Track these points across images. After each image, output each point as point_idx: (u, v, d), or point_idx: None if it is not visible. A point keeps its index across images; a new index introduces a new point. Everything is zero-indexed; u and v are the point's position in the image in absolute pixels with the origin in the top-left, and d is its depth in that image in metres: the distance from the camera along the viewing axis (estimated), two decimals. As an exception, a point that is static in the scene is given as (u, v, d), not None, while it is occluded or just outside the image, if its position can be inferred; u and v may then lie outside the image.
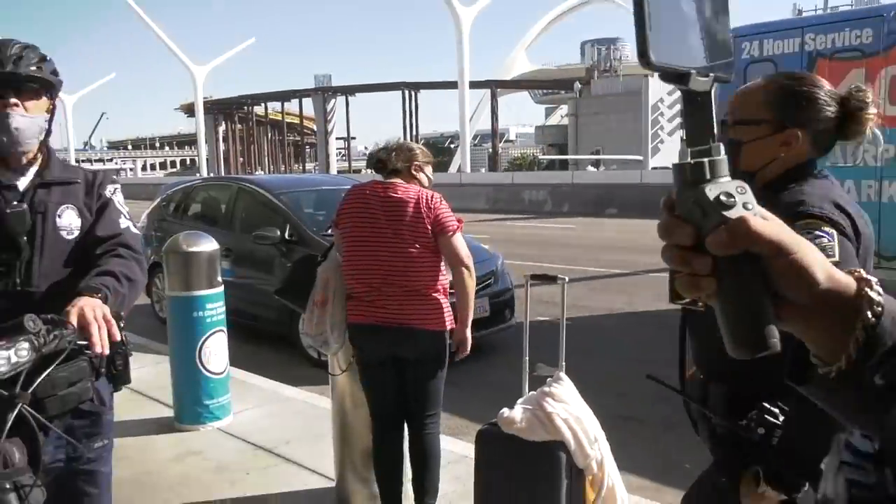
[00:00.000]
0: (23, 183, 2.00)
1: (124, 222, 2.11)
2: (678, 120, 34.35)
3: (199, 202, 8.96)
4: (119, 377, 2.06)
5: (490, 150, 55.27)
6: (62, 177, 2.07)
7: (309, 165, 72.44)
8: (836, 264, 1.36)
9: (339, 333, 3.19)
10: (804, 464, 1.41)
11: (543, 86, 68.29)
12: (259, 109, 74.38)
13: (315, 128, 69.91)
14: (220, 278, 4.70)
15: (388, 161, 3.18)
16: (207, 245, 4.64)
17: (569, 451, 2.67)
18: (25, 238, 1.93)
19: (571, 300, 7.70)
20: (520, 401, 2.84)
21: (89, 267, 1.94)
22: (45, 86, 1.99)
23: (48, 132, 2.05)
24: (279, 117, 75.11)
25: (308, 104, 69.44)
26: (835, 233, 1.48)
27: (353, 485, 3.49)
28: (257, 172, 52.03)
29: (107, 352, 1.75)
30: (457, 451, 3.89)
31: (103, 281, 1.87)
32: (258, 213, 7.49)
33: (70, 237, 2.01)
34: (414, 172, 3.19)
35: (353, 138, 76.57)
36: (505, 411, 2.70)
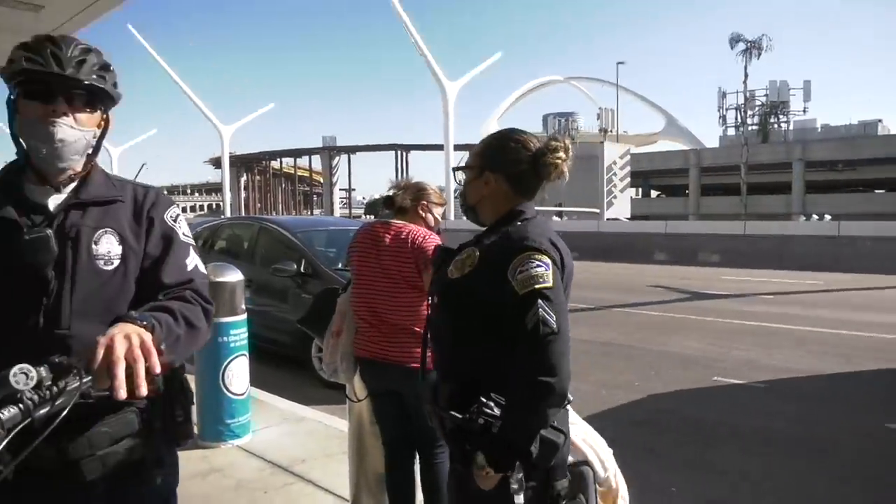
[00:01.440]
0: (54, 202, 1.41)
1: (192, 261, 1.50)
2: (627, 179, 34.55)
3: (224, 238, 8.60)
4: (180, 430, 1.47)
5: (468, 201, 55.36)
6: (102, 195, 1.45)
7: (316, 211, 72.11)
8: (548, 288, 1.51)
9: (348, 364, 2.80)
10: (516, 447, 1.49)
11: (513, 150, 68.88)
12: (275, 164, 74.13)
13: (321, 180, 69.74)
14: (243, 306, 4.32)
15: (396, 199, 2.78)
16: (232, 276, 4.26)
17: (593, 467, 2.31)
18: (52, 269, 1.35)
19: (549, 330, 7.41)
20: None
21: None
22: (103, 98, 1.42)
23: (96, 149, 1.46)
24: (292, 171, 75.01)
25: (316, 160, 69.51)
26: (549, 262, 1.55)
27: (368, 505, 3.08)
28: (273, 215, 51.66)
29: (143, 393, 1.13)
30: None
31: (154, 314, 1.29)
32: (277, 249, 7.13)
33: (109, 268, 1.40)
34: (421, 212, 2.77)
35: (354, 189, 76.24)
36: None
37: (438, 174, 32.37)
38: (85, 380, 1.10)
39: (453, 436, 1.58)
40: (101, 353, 1.12)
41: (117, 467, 1.36)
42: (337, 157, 65.71)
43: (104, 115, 1.47)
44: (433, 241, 2.67)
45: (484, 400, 1.52)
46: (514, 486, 1.50)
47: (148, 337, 1.18)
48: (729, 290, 13.02)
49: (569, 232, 23.80)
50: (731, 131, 45.95)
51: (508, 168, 1.72)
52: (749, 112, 43.91)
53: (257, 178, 75.31)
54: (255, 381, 4.62)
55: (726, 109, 45.98)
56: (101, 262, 1.39)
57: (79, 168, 1.44)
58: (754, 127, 43.97)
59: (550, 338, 1.48)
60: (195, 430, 1.47)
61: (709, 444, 4.63)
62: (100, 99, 1.43)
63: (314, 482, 3.55)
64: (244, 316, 4.27)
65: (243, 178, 74.25)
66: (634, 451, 4.26)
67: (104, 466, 1.34)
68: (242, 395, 4.21)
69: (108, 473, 1.35)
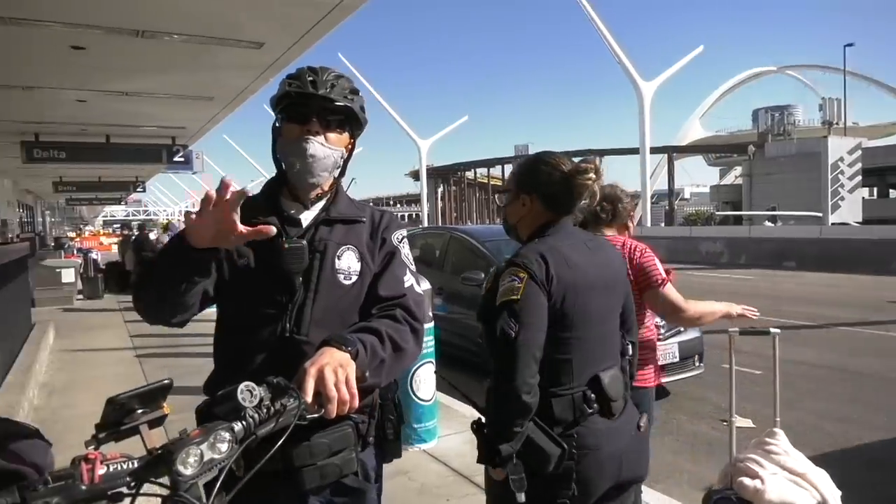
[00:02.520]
0: (307, 217, 1.54)
1: (409, 279, 1.58)
2: (858, 178, 30.12)
3: (418, 247, 8.95)
4: (390, 447, 1.56)
5: (666, 207, 52.37)
6: (347, 214, 1.57)
7: (508, 219, 73.25)
8: (515, 301, 1.63)
9: None
10: (488, 444, 1.63)
11: (716, 150, 63.83)
12: (469, 174, 76.71)
13: (514, 188, 70.87)
14: (430, 314, 4.43)
15: (596, 210, 2.66)
16: (422, 285, 4.38)
17: None
18: (301, 278, 1.47)
19: (759, 350, 6.62)
20: (738, 460, 2.18)
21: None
22: (351, 119, 1.55)
23: (342, 170, 1.59)
24: (485, 181, 77.01)
25: (508, 169, 70.79)
26: (525, 276, 1.64)
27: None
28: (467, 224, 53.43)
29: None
30: None
31: (361, 336, 1.34)
32: (466, 258, 7.28)
33: (347, 282, 1.50)
34: (627, 221, 2.75)
35: (546, 197, 76.39)
36: (746, 481, 2.05)
37: (633, 178, 31.06)
38: (302, 401, 1.14)
39: (477, 425, 1.77)
40: (311, 383, 1.17)
41: (332, 478, 1.42)
42: (529, 166, 66.17)
43: (352, 139, 1.58)
44: (650, 257, 2.56)
45: None
46: (513, 486, 1.62)
47: (352, 370, 1.23)
48: None
49: (785, 238, 21.38)
50: None
51: (541, 189, 1.84)
52: None
53: (453, 188, 78.51)
54: (442, 386, 4.71)
55: None
56: (342, 276, 1.50)
57: (326, 186, 1.57)
58: None
59: (507, 346, 1.59)
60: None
61: (973, 498, 3.78)
62: (348, 121, 1.55)
63: (496, 496, 3.49)
64: (431, 324, 4.37)
65: (440, 189, 77.86)
66: (868, 498, 3.62)
67: (322, 477, 1.40)
68: (429, 400, 4.31)
69: (323, 484, 1.42)
